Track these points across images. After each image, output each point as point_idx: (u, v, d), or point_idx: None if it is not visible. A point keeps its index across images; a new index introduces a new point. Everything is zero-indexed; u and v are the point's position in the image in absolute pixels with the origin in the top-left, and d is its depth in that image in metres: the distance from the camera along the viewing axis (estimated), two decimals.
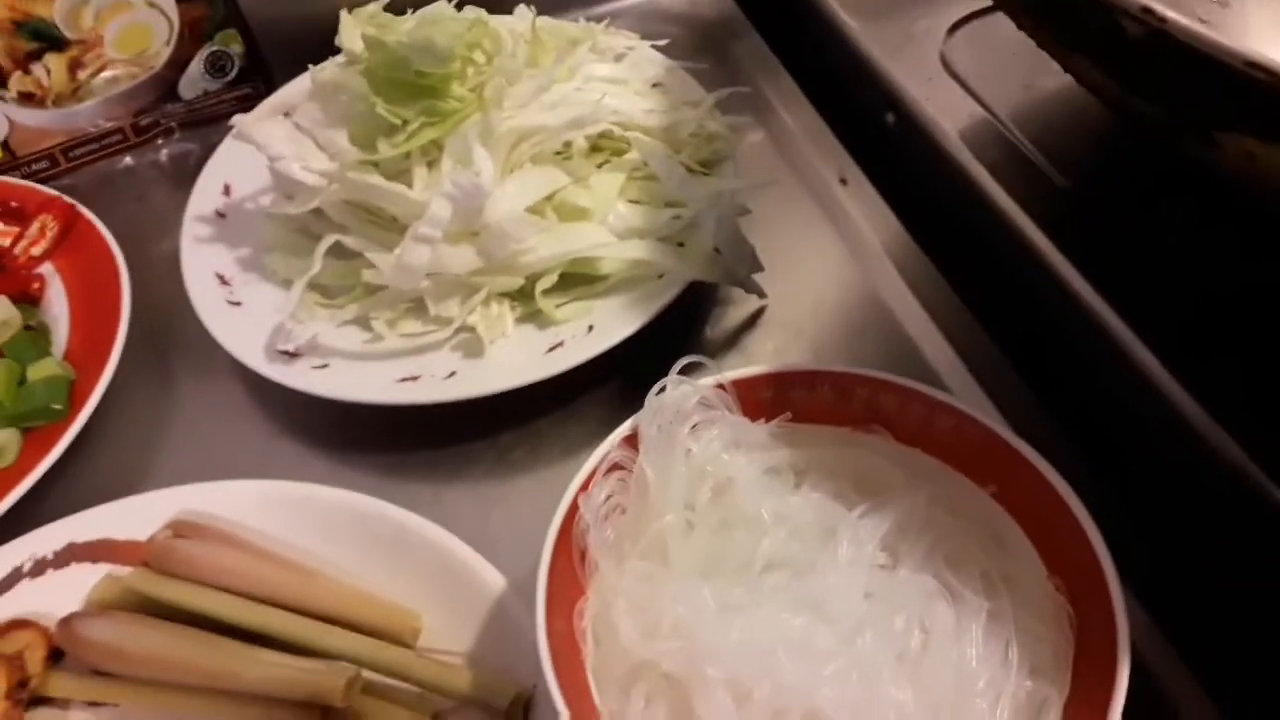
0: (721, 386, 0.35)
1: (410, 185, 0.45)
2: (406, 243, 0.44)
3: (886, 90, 0.54)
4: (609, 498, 0.33)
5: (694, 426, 0.34)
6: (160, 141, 0.59)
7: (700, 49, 0.60)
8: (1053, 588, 0.31)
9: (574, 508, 0.33)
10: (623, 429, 0.34)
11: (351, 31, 0.46)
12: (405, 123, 0.45)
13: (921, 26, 0.56)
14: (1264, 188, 0.31)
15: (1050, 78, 0.52)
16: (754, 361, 0.46)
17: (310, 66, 0.53)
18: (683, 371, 0.35)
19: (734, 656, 0.28)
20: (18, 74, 0.54)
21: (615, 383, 0.46)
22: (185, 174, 0.57)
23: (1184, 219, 0.44)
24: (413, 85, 0.45)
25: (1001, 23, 0.54)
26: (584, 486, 0.33)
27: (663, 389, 0.34)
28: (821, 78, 0.60)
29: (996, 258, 0.48)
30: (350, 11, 0.47)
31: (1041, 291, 0.46)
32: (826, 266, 0.50)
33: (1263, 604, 0.35)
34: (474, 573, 0.37)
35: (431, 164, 0.46)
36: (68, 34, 0.54)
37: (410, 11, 0.50)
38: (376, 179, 0.44)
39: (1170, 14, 0.26)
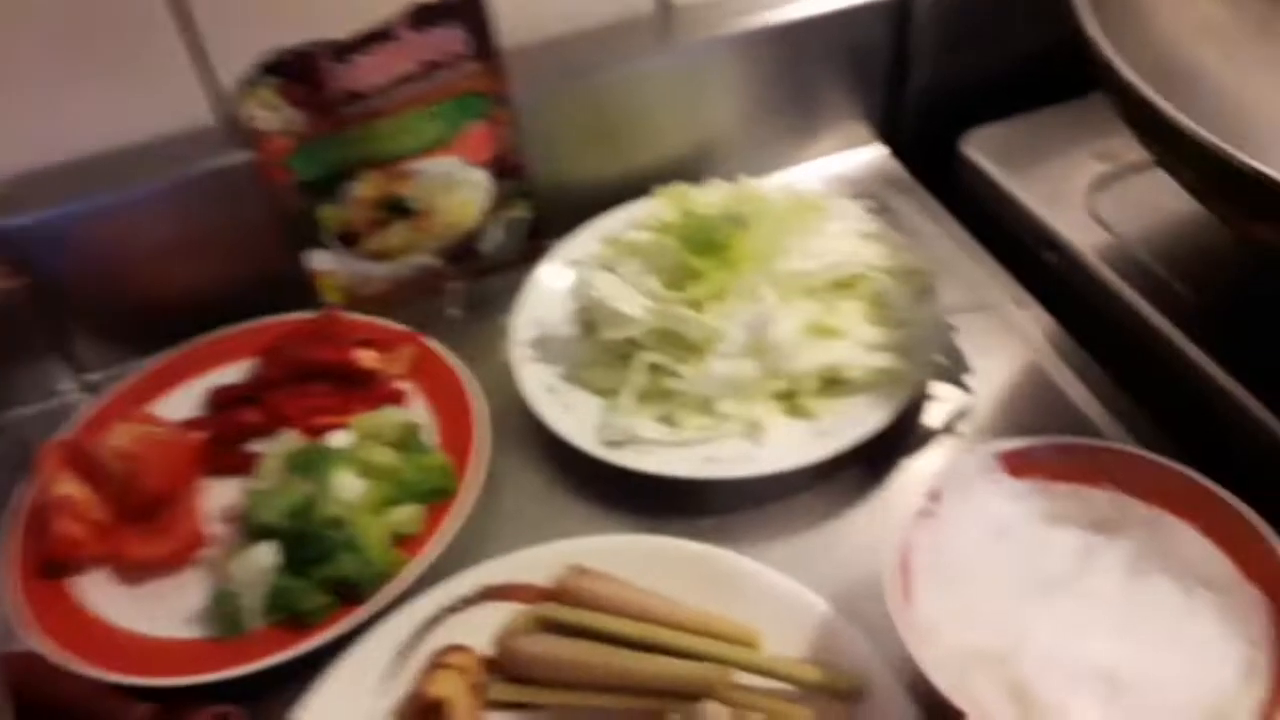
0: (992, 455, 0.48)
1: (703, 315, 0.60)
2: (711, 358, 0.59)
3: (1045, 234, 0.69)
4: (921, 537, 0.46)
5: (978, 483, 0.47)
6: (460, 284, 0.75)
7: (879, 203, 0.76)
8: (1251, 588, 0.43)
9: (903, 540, 0.46)
10: (928, 485, 0.47)
11: (666, 204, 0.62)
12: (705, 271, 0.60)
13: (1065, 184, 0.71)
14: None
15: (1172, 223, 0.67)
16: (968, 440, 0.60)
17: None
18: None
19: (1044, 632, 0.41)
20: (371, 237, 0.70)
21: (862, 461, 0.60)
22: (485, 308, 0.73)
23: None
24: (710, 242, 0.60)
25: (1131, 182, 0.70)
26: (908, 525, 0.46)
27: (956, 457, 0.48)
28: (979, 223, 0.75)
29: (1147, 354, 0.62)
30: (660, 188, 0.64)
31: (1185, 378, 0.60)
32: (1013, 367, 0.64)
33: None
34: (798, 598, 0.50)
35: (717, 298, 0.61)
36: (414, 207, 0.70)
37: None
38: (687, 311, 0.59)
39: None
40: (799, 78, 0.80)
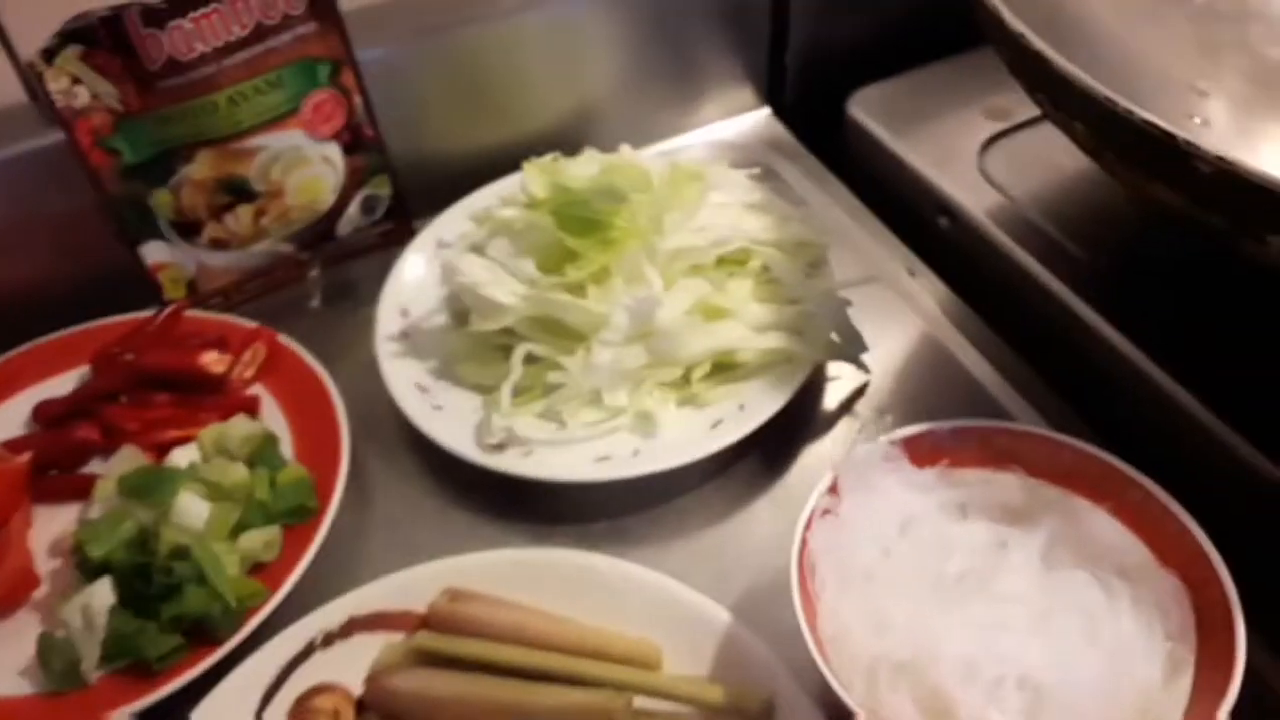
0: (892, 443, 0.45)
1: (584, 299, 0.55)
2: (594, 347, 0.54)
3: (937, 199, 0.66)
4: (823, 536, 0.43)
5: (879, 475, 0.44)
6: (315, 273, 0.68)
7: (766, 171, 0.72)
8: (1167, 575, 0.41)
9: (804, 543, 0.42)
10: (825, 480, 0.44)
11: (535, 178, 0.57)
12: (583, 251, 0.55)
13: (956, 144, 0.69)
14: None
15: (1064, 181, 0.65)
16: (867, 424, 0.57)
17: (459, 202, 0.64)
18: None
19: (959, 638, 0.38)
20: (212, 223, 0.63)
21: (759, 449, 0.56)
22: (346, 299, 0.67)
23: (1182, 273, 0.57)
24: (586, 220, 0.55)
25: (1022, 138, 0.68)
26: (807, 526, 0.43)
27: (855, 446, 0.44)
28: (868, 187, 0.72)
29: (1039, 317, 0.60)
30: (528, 161, 0.58)
31: (1081, 343, 0.58)
32: (910, 341, 0.62)
33: None
34: (699, 609, 0.46)
35: (598, 281, 0.56)
36: (257, 188, 0.63)
37: None
38: (566, 297, 0.54)
39: (1236, 156, 0.38)
40: (678, 37, 0.75)
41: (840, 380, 0.59)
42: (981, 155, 0.68)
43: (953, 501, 0.45)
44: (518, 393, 0.56)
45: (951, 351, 0.61)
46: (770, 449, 0.56)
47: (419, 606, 0.48)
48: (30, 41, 0.58)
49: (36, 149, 0.61)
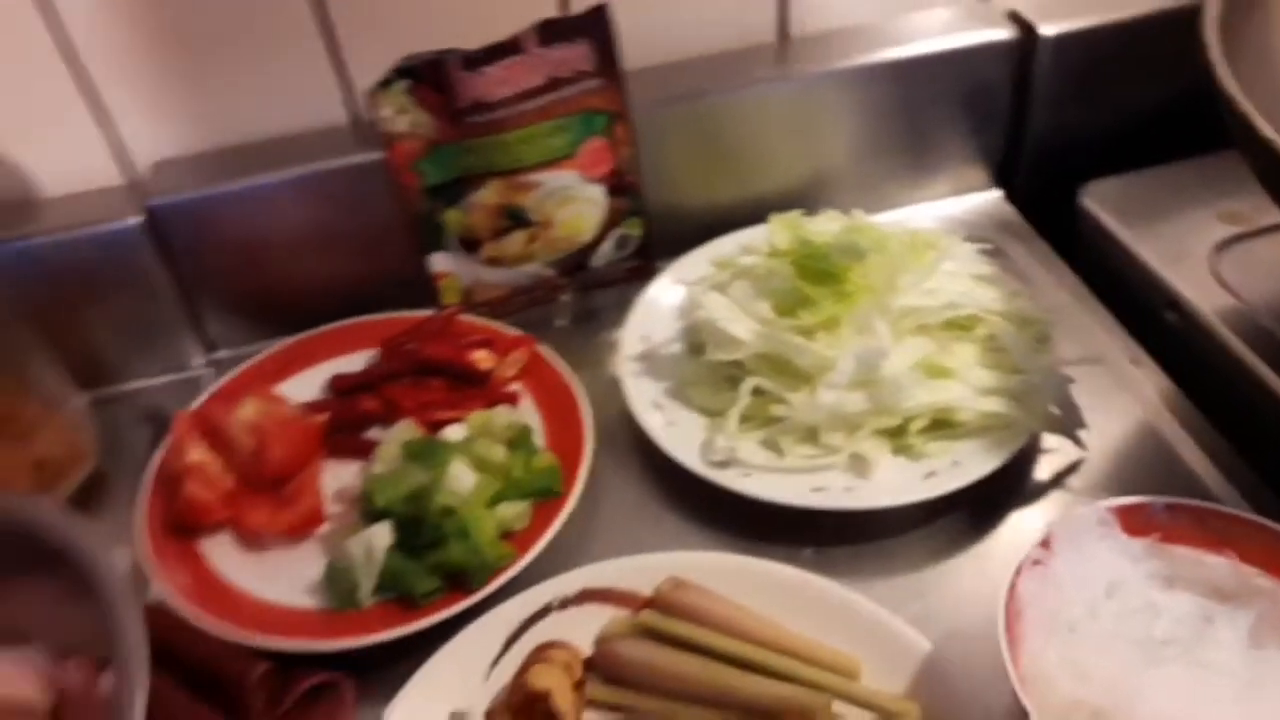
0: (1108, 509, 0.48)
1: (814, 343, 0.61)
2: (819, 388, 0.59)
3: (1167, 293, 0.68)
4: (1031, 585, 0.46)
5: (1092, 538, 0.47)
6: (567, 297, 0.77)
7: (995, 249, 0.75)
8: None
9: (1014, 587, 0.45)
10: (1041, 535, 0.47)
11: (780, 230, 0.63)
12: (818, 299, 0.61)
13: (1189, 243, 0.70)
14: None
15: None
16: (1078, 496, 0.59)
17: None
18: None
19: (1160, 696, 0.41)
20: (490, 243, 0.72)
21: (966, 508, 0.59)
22: (591, 322, 0.75)
23: None
24: (824, 271, 0.61)
25: (1259, 244, 0.69)
26: (1018, 572, 0.46)
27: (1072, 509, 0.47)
28: (1094, 276, 0.74)
29: (1268, 420, 0.61)
30: (774, 215, 0.65)
31: None
32: (1128, 427, 0.63)
33: None
34: (902, 635, 0.50)
35: (828, 328, 0.61)
36: (533, 217, 0.72)
37: None
38: (799, 339, 0.60)
39: None
40: (916, 116, 0.80)
41: (1055, 454, 0.62)
42: (1215, 256, 0.69)
43: (1161, 573, 0.47)
44: (742, 420, 0.61)
45: (1171, 443, 0.62)
46: (978, 509, 0.59)
47: (644, 589, 0.54)
48: (363, 73, 0.69)
49: (353, 165, 0.72)
